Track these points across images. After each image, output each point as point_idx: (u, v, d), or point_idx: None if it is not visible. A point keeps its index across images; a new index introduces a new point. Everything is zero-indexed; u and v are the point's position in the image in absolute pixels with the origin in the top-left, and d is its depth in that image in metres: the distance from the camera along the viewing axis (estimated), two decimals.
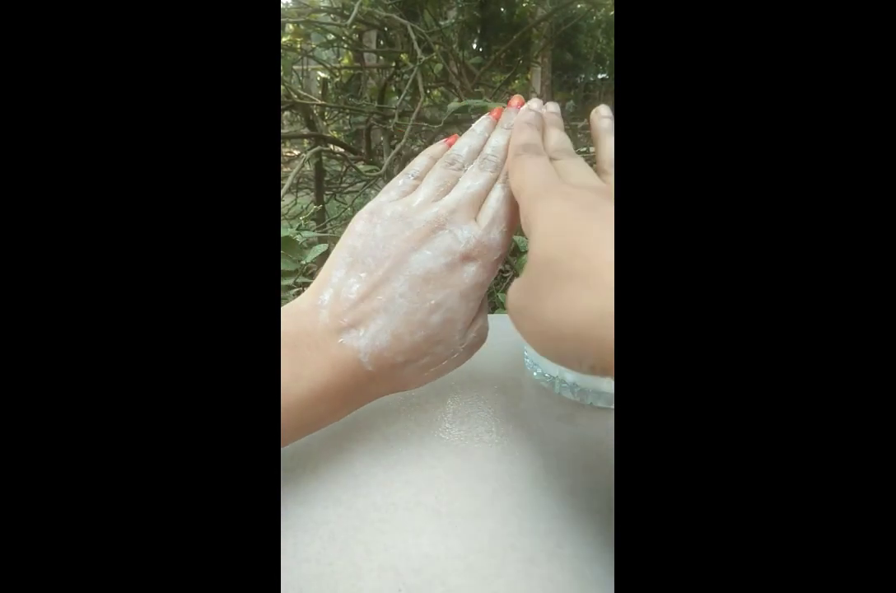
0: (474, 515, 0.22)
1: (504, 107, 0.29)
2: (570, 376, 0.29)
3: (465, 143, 0.28)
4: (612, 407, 0.29)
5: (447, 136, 0.30)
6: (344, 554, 0.20)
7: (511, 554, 0.20)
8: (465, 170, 0.27)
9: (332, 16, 0.99)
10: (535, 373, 0.32)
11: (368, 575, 0.19)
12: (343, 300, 0.24)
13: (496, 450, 0.26)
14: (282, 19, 0.83)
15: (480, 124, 0.29)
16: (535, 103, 0.29)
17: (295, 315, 0.24)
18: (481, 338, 0.26)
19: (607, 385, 0.28)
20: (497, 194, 0.26)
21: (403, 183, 0.27)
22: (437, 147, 0.29)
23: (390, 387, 0.25)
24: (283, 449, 0.26)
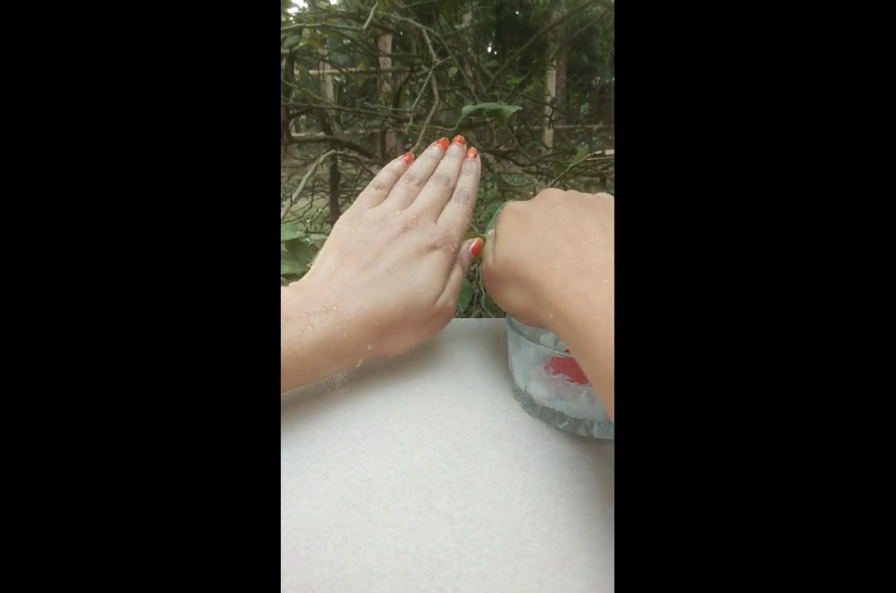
0: (487, 521, 0.22)
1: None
2: (533, 389, 0.28)
3: (421, 163, 0.36)
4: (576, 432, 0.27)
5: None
6: (356, 558, 0.20)
7: (524, 562, 0.20)
8: (423, 185, 0.35)
9: (348, 20, 1.00)
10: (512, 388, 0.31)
11: (381, 580, 0.19)
12: (340, 279, 0.30)
13: (510, 456, 0.26)
14: (298, 24, 0.84)
15: (431, 150, 0.37)
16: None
17: (301, 290, 0.30)
18: (447, 312, 0.33)
19: (575, 407, 0.27)
20: (453, 206, 0.35)
21: (373, 194, 0.35)
22: (397, 162, 0.37)
23: (375, 350, 0.31)
24: (296, 453, 0.26)
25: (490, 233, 0.34)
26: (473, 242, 0.36)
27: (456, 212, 0.34)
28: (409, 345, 0.32)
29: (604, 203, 0.29)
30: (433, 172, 0.36)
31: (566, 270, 0.24)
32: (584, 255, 0.24)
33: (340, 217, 0.34)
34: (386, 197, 0.35)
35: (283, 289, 0.30)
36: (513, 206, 0.31)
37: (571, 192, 0.31)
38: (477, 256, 0.36)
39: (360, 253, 0.31)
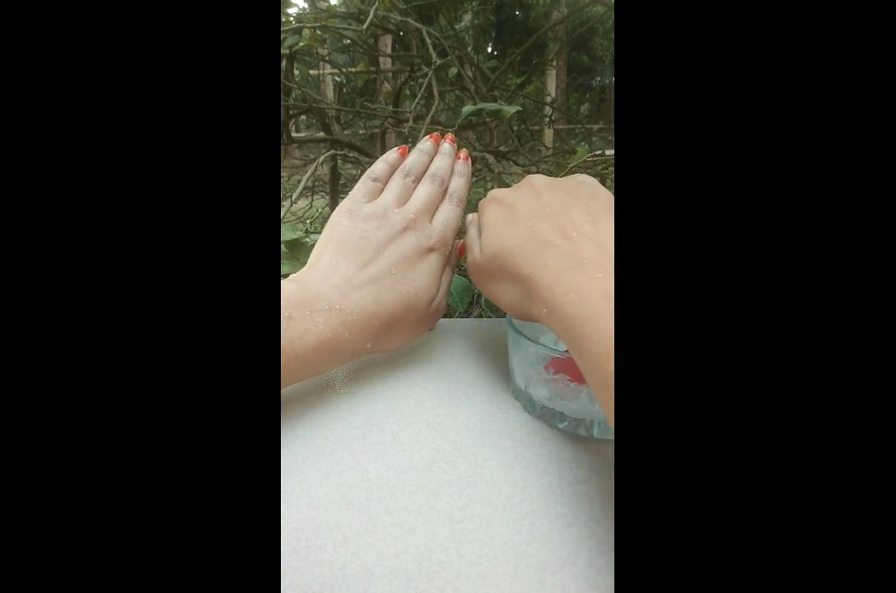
0: (487, 521, 0.22)
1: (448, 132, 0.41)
2: (533, 389, 0.28)
3: (416, 159, 0.37)
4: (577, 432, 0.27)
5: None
6: (356, 558, 0.20)
7: (524, 562, 0.20)
8: (418, 182, 0.36)
9: (348, 20, 1.00)
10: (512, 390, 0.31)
11: (380, 580, 0.19)
12: (341, 274, 0.30)
13: (510, 456, 0.26)
14: (298, 24, 0.84)
15: (424, 145, 0.38)
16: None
17: (303, 284, 0.30)
18: (440, 311, 0.35)
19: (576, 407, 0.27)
20: (447, 207, 0.36)
21: (370, 186, 0.35)
22: (392, 154, 0.37)
23: (373, 348, 0.32)
24: (295, 453, 0.26)
25: (470, 217, 0.34)
26: (459, 243, 0.36)
27: (450, 215, 0.35)
28: (403, 343, 0.34)
29: (589, 188, 0.28)
30: (427, 168, 0.37)
31: (557, 265, 0.23)
32: (576, 249, 0.24)
33: (337, 208, 0.34)
34: (381, 190, 0.35)
35: (283, 281, 0.30)
36: (496, 195, 0.31)
37: (554, 179, 0.30)
38: (463, 256, 0.36)
39: (361, 249, 0.31)
